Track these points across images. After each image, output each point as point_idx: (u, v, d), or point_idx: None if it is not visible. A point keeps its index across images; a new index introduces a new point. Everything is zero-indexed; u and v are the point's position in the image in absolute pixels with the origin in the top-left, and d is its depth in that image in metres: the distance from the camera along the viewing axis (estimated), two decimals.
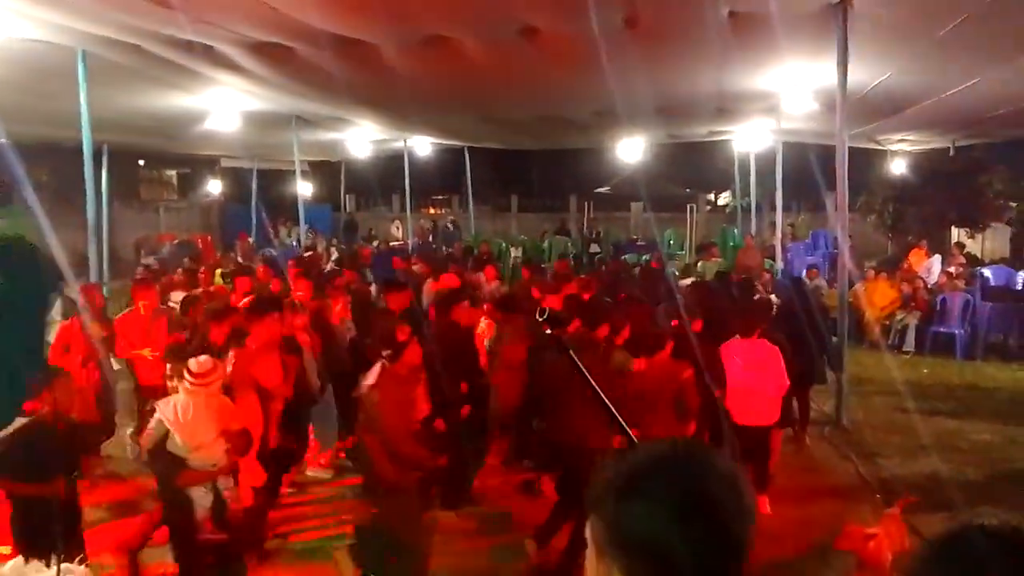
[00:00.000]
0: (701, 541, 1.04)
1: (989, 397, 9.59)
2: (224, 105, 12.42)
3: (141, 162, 28.39)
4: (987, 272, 13.88)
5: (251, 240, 19.82)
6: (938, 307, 12.17)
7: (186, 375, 4.45)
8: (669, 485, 1.07)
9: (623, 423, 1.43)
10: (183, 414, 4.36)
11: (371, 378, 4.69)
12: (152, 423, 4.45)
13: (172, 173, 31.82)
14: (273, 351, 5.60)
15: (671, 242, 23.38)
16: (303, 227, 18.10)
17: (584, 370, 1.54)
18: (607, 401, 1.42)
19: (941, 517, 5.92)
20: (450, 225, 25.70)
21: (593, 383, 1.46)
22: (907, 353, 11.98)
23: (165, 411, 4.39)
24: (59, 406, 4.41)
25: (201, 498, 4.38)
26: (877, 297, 12.68)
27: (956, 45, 8.27)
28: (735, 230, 20.03)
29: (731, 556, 1.07)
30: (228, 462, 4.50)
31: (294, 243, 20.55)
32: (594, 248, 22.96)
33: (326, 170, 28.87)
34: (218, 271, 11.45)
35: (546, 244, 23.07)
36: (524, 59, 8.97)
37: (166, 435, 4.31)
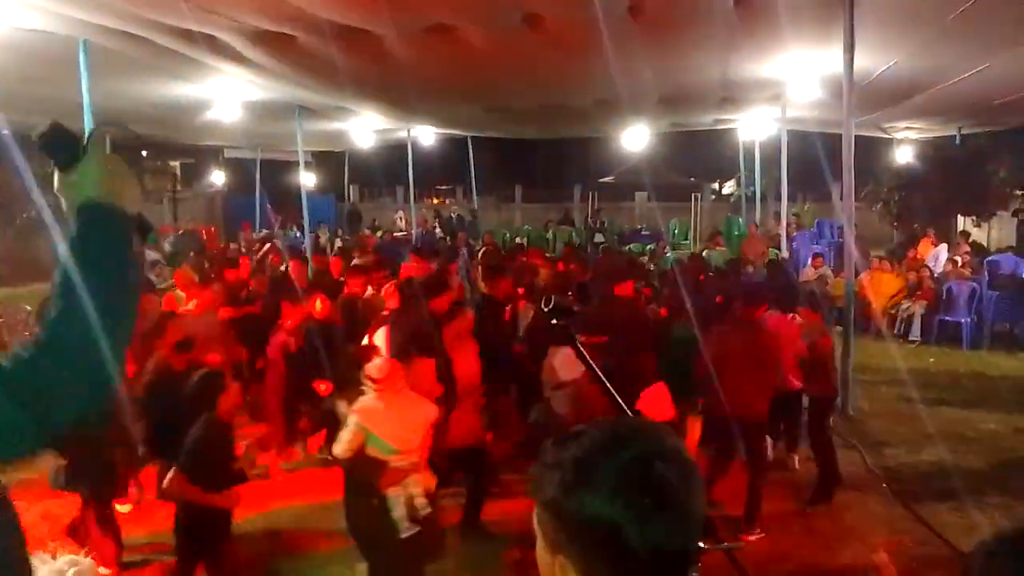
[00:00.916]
0: (660, 526, 1.01)
1: (995, 386, 9.55)
2: (227, 95, 12.37)
3: (144, 152, 28.36)
4: (993, 260, 13.81)
5: (253, 232, 19.82)
6: (944, 296, 12.11)
7: (368, 381, 4.42)
8: (620, 471, 1.02)
9: (622, 403, 1.40)
10: (381, 417, 4.31)
11: (572, 371, 4.63)
12: (349, 428, 4.35)
13: (176, 164, 31.80)
14: (468, 342, 5.62)
15: (675, 231, 23.33)
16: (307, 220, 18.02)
17: (588, 358, 1.51)
18: (607, 383, 1.39)
19: (947, 506, 5.92)
20: (468, 215, 25.46)
21: (594, 367, 1.45)
22: (913, 342, 11.93)
23: (363, 415, 4.32)
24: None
25: (397, 501, 4.30)
26: (883, 286, 12.63)
27: (964, 30, 8.19)
28: (740, 219, 19.96)
29: (690, 537, 1.04)
30: (422, 459, 4.47)
31: (298, 234, 20.52)
32: (598, 238, 22.93)
33: (330, 160, 28.83)
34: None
35: (550, 234, 23.03)
36: (527, 47, 8.91)
37: (363, 439, 4.27)
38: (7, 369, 1.27)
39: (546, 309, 1.61)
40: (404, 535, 4.20)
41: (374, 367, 4.46)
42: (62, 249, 1.36)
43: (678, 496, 1.02)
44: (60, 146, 1.42)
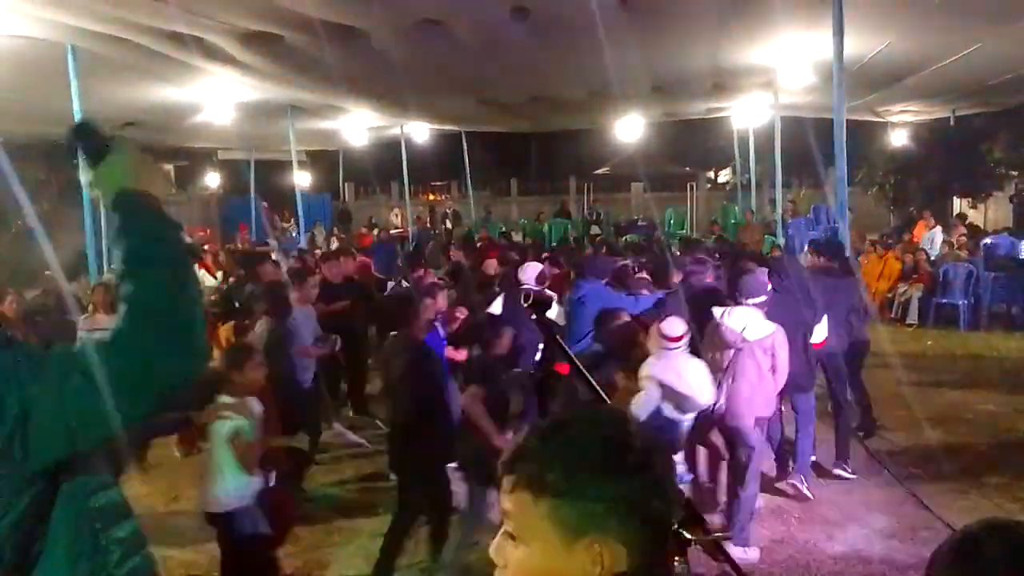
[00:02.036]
0: (667, 498, 1.14)
1: (994, 367, 9.57)
2: (218, 96, 12.34)
3: None
4: (989, 241, 13.81)
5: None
6: (941, 278, 12.12)
7: (661, 339, 4.45)
8: (636, 452, 1.13)
9: (602, 392, 1.41)
10: (684, 375, 4.35)
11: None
12: (647, 389, 4.38)
13: (169, 167, 31.74)
14: None
15: (672, 221, 23.31)
16: (302, 219, 18.01)
17: (568, 350, 1.51)
18: (587, 374, 1.40)
19: (948, 488, 5.92)
20: (484, 210, 25.44)
21: (574, 358, 1.44)
22: (911, 325, 11.94)
23: (662, 374, 4.35)
24: None
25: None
26: (881, 270, 12.63)
27: (955, 10, 8.18)
28: (736, 207, 19.93)
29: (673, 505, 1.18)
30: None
31: (294, 234, 20.49)
32: (595, 230, 22.91)
33: (324, 159, 28.76)
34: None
35: (546, 227, 23.01)
36: (516, 40, 8.89)
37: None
38: (89, 355, 1.34)
39: (526, 304, 1.61)
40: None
41: (670, 325, 4.48)
42: (112, 239, 1.46)
43: (669, 471, 1.18)
44: (91, 142, 1.52)
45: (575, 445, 1.12)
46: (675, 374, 4.34)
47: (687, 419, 4.47)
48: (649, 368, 4.41)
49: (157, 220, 1.48)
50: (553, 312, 5.85)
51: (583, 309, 6.10)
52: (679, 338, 4.43)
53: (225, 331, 6.92)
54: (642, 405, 4.28)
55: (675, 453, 4.39)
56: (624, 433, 1.15)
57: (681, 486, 4.37)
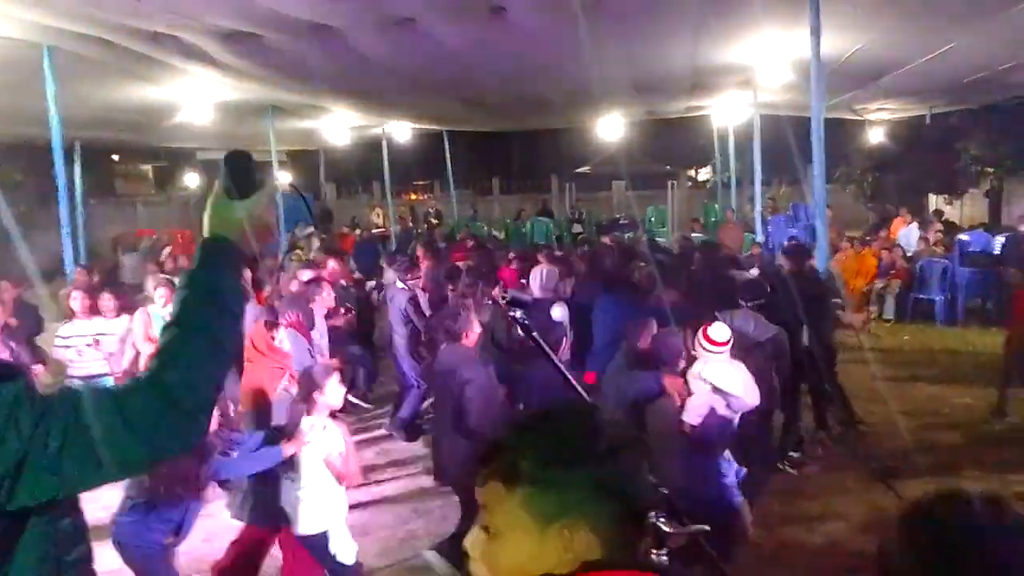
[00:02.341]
0: (641, 481, 1.18)
1: (970, 362, 9.69)
2: (196, 96, 12.26)
3: (115, 157, 28.07)
4: (965, 237, 13.98)
5: None
6: (918, 274, 12.26)
7: (707, 343, 4.54)
8: (611, 439, 1.17)
9: (580, 389, 1.45)
10: (732, 376, 4.45)
11: None
12: (701, 394, 4.47)
13: (148, 167, 31.48)
14: None
15: (653, 219, 23.40)
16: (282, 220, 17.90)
17: (545, 346, 1.53)
18: (564, 370, 1.42)
19: (926, 482, 6.00)
20: (471, 208, 25.36)
21: (553, 355, 1.47)
22: (888, 321, 12.07)
23: (716, 378, 4.44)
24: None
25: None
26: (857, 267, 12.75)
27: (930, 10, 8.29)
28: (716, 205, 20.05)
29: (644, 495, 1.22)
30: None
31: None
32: (577, 228, 22.94)
33: (305, 159, 28.64)
34: None
35: (528, 226, 23.02)
36: (495, 40, 8.91)
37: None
38: (122, 393, 1.32)
39: (503, 302, 1.63)
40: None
41: (716, 331, 4.57)
42: (185, 276, 1.42)
43: (641, 463, 1.21)
44: (243, 178, 1.48)
45: (548, 435, 1.16)
46: (724, 376, 4.48)
47: (736, 417, 4.61)
48: (699, 371, 4.56)
49: (234, 278, 1.45)
50: (558, 314, 5.98)
51: (605, 317, 6.30)
52: (724, 343, 4.57)
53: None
54: (697, 406, 4.43)
55: (726, 449, 4.56)
56: (595, 424, 1.19)
57: (735, 480, 4.47)
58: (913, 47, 10.32)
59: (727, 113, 17.40)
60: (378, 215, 25.17)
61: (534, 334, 1.54)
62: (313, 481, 4.04)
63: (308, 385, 4.18)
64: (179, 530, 3.95)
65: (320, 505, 4.05)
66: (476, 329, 5.03)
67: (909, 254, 13.25)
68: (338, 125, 18.16)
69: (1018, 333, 7.52)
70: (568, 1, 7.02)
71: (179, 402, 1.31)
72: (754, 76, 11.90)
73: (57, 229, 9.70)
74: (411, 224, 24.22)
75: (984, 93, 14.90)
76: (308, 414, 4.11)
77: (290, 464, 4.04)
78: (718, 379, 4.44)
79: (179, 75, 10.53)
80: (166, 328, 1.39)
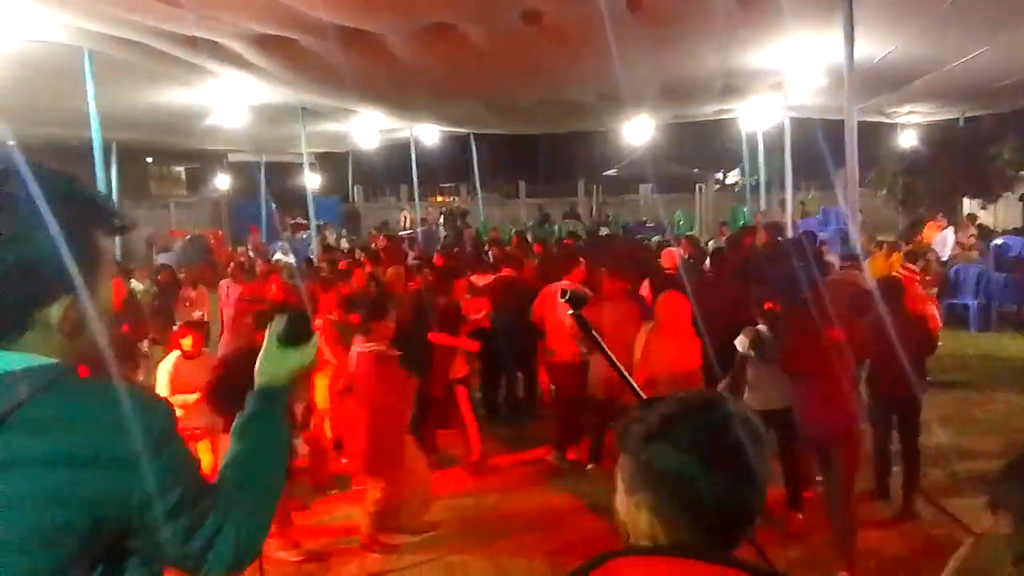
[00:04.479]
0: (727, 481, 1.20)
1: (1004, 367, 9.57)
2: (230, 99, 12.45)
3: (149, 159, 28.51)
4: (999, 242, 13.80)
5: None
6: (952, 279, 12.12)
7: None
8: (700, 429, 1.22)
9: (635, 386, 1.49)
10: None
11: None
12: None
13: (180, 169, 31.94)
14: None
15: (680, 222, 23.33)
16: (312, 221, 18.08)
17: (602, 344, 1.57)
18: (620, 367, 1.47)
19: (960, 487, 5.95)
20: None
21: (608, 353, 1.51)
22: None
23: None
24: None
25: None
26: (888, 271, 12.60)
27: (963, 14, 8.21)
28: (744, 209, 19.94)
29: (752, 491, 1.23)
30: None
31: (304, 236, 20.57)
32: (604, 231, 22.95)
33: (334, 161, 28.89)
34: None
35: (556, 228, 23.05)
36: (527, 44, 8.95)
37: None
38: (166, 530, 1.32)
39: (562, 300, 1.68)
40: None
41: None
42: (240, 423, 1.49)
43: (746, 457, 1.21)
44: (297, 332, 1.57)
45: (655, 414, 1.26)
46: None
47: None
48: None
49: (282, 425, 1.53)
50: None
51: None
52: None
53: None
54: None
55: None
56: (711, 415, 1.25)
57: None
58: (946, 51, 10.22)
59: (756, 116, 17.31)
60: (405, 217, 25.35)
61: (592, 331, 1.58)
62: None
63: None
64: None
65: None
66: None
67: (944, 259, 13.10)
68: (367, 128, 18.33)
69: None
70: (600, 6, 7.05)
71: (244, 559, 1.39)
72: (785, 79, 11.85)
73: None
74: (440, 224, 24.31)
75: (1018, 97, 14.70)
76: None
77: None
78: None
79: (212, 78, 10.71)
80: (230, 477, 1.43)
